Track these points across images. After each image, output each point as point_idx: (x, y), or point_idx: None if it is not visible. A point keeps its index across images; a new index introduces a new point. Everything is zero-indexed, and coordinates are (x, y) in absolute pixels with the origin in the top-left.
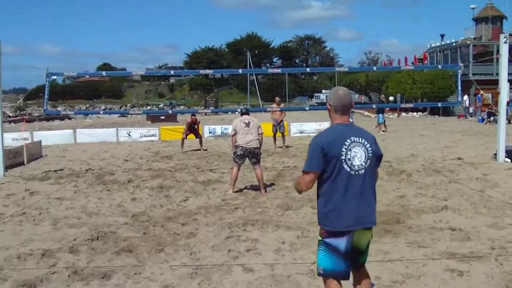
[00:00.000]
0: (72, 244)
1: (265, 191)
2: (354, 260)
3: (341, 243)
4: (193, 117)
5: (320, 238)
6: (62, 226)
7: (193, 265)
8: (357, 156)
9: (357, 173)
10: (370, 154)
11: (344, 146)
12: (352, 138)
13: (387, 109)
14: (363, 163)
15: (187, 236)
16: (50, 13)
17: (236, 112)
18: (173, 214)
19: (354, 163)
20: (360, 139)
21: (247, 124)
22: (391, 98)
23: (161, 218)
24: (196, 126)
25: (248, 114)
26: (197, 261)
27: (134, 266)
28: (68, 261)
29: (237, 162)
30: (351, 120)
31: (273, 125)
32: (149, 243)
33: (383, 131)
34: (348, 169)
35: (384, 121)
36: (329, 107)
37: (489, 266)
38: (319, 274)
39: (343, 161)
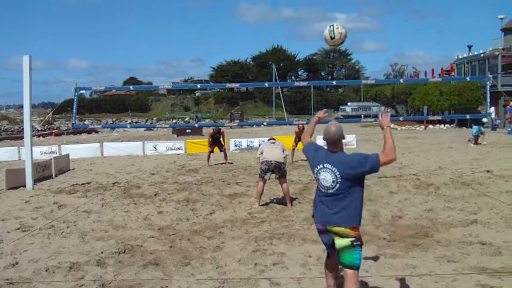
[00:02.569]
0: (99, 257)
1: (291, 205)
2: (339, 258)
3: (323, 237)
4: (214, 128)
5: None
6: (89, 239)
7: (219, 279)
8: (326, 177)
9: (325, 190)
10: (340, 180)
11: (317, 168)
12: (324, 164)
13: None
14: (332, 183)
15: (214, 249)
16: (78, 28)
17: (262, 126)
18: (199, 227)
19: (323, 184)
20: (329, 165)
21: (273, 143)
22: (484, 119)
23: (187, 232)
24: (221, 138)
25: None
26: (224, 274)
27: (160, 280)
28: (95, 274)
29: (262, 177)
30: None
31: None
32: (175, 257)
33: (477, 143)
34: (322, 183)
35: (482, 132)
36: (323, 139)
37: None
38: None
39: (316, 174)
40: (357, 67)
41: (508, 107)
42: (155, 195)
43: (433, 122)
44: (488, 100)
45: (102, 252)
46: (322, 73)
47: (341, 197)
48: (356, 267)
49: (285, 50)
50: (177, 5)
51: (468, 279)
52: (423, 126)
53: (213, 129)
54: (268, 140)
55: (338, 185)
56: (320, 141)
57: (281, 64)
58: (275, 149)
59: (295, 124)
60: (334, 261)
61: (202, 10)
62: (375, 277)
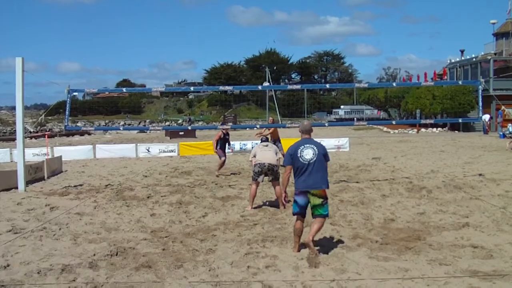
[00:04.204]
0: (91, 259)
1: (284, 207)
2: (312, 211)
3: (300, 199)
4: (223, 129)
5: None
6: (81, 242)
7: (212, 282)
8: (308, 154)
9: (307, 162)
10: (317, 152)
11: (300, 148)
12: (305, 145)
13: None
14: (313, 157)
15: (206, 252)
16: (70, 30)
17: (255, 128)
18: (192, 230)
19: (305, 157)
20: (310, 145)
21: (266, 145)
22: None
23: (180, 234)
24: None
25: (267, 141)
26: (216, 277)
27: (153, 282)
28: (87, 277)
29: (255, 180)
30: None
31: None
32: (168, 259)
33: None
34: (302, 161)
35: None
36: (299, 130)
37: None
38: (293, 214)
39: (298, 156)
40: (350, 70)
41: (500, 111)
42: (148, 197)
43: (426, 126)
44: (480, 104)
45: (94, 255)
46: (316, 76)
47: (316, 167)
48: (324, 216)
49: (278, 53)
50: (170, 8)
51: (460, 282)
52: (415, 130)
53: (222, 131)
54: (261, 142)
55: (315, 157)
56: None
57: (275, 67)
58: (268, 151)
59: (288, 127)
60: (301, 219)
61: (195, 13)
62: (367, 280)
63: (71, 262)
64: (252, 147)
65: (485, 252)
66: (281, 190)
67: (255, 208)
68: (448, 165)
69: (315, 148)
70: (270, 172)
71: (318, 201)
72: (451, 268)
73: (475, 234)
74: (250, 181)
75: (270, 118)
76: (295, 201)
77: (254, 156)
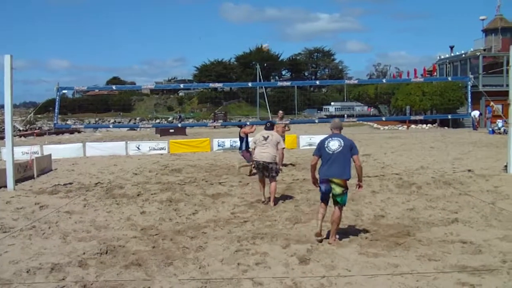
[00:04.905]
0: (81, 258)
1: (274, 204)
2: (333, 199)
3: (324, 186)
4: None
5: None
6: (71, 240)
7: (202, 279)
8: (334, 145)
9: (332, 152)
10: (342, 144)
11: (327, 140)
12: (333, 138)
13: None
14: (338, 148)
15: (196, 249)
16: (60, 28)
17: (245, 125)
18: (182, 227)
19: (331, 148)
20: (337, 138)
21: (265, 138)
22: None
23: (170, 232)
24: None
25: (272, 128)
26: (206, 274)
27: (143, 280)
28: (77, 275)
29: (259, 176)
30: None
31: None
32: (158, 257)
33: None
34: (328, 151)
35: None
36: (330, 127)
37: (501, 280)
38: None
39: (325, 147)
40: (340, 67)
41: (489, 107)
42: (138, 195)
43: (416, 122)
44: (469, 100)
45: (84, 253)
46: (306, 73)
47: (340, 157)
48: (343, 204)
49: (268, 50)
50: (160, 4)
51: (448, 278)
52: (405, 126)
53: (250, 126)
54: (265, 129)
55: (340, 148)
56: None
57: (265, 64)
58: (266, 147)
59: (281, 124)
60: (325, 205)
61: (185, 9)
62: (357, 276)
63: (60, 260)
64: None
65: (474, 248)
66: (311, 175)
67: (245, 205)
68: (438, 161)
69: (341, 140)
70: (265, 170)
71: (339, 190)
72: (440, 264)
73: (464, 230)
74: (240, 178)
75: (280, 112)
76: (319, 188)
77: (254, 149)
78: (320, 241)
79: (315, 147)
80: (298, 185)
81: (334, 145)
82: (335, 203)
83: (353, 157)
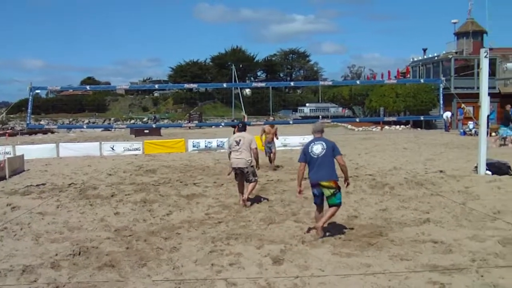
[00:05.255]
0: (53, 259)
1: (245, 204)
2: (327, 201)
3: (315, 189)
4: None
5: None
6: (43, 241)
7: (176, 280)
8: (317, 148)
9: (317, 157)
10: (325, 147)
11: (311, 144)
12: (315, 142)
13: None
14: (321, 151)
15: (170, 250)
16: (33, 27)
17: (220, 126)
18: (156, 228)
19: (315, 152)
20: (320, 141)
21: (238, 143)
22: None
23: (144, 233)
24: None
25: (244, 129)
26: (180, 275)
27: (116, 281)
28: (49, 277)
29: (236, 180)
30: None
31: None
32: (131, 258)
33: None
34: (313, 155)
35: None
36: (312, 131)
37: (470, 278)
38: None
39: (309, 152)
40: (315, 68)
41: (461, 109)
42: (112, 196)
43: (389, 123)
44: (441, 102)
45: (56, 254)
46: (281, 74)
47: (325, 160)
48: (337, 205)
49: (244, 51)
50: (134, 4)
51: (420, 277)
52: (379, 127)
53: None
54: (238, 130)
55: (324, 151)
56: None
57: (240, 65)
58: (240, 153)
59: (254, 125)
60: (319, 207)
61: (160, 9)
62: (330, 276)
63: (32, 262)
64: (218, 145)
65: (445, 247)
66: (297, 182)
67: (219, 206)
68: (410, 162)
69: (323, 143)
70: (241, 174)
71: (329, 192)
72: (412, 263)
73: (435, 230)
74: (215, 179)
75: (271, 117)
76: (312, 193)
77: (229, 154)
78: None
79: (289, 148)
80: (272, 186)
81: (318, 149)
82: (330, 205)
83: (336, 158)
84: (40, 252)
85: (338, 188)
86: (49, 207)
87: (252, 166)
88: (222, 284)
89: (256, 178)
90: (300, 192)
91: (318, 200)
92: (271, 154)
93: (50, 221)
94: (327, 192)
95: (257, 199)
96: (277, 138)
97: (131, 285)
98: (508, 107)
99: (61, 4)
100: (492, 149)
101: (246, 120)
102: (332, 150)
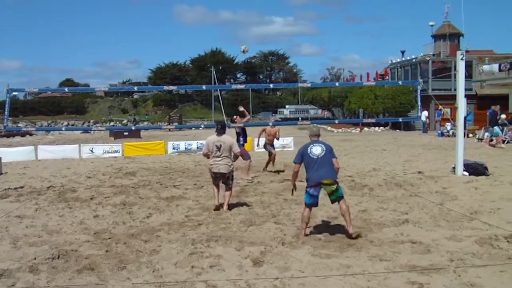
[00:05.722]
0: (32, 263)
1: (225, 209)
2: (331, 199)
3: (314, 190)
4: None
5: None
6: (22, 245)
7: (156, 282)
8: (317, 150)
9: (317, 157)
10: (324, 149)
11: (309, 146)
12: (314, 144)
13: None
14: (321, 152)
15: (150, 253)
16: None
17: (200, 128)
18: (136, 231)
19: (315, 153)
20: (319, 144)
21: (218, 148)
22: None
23: (123, 235)
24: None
25: (224, 131)
26: (160, 278)
27: (95, 285)
28: (27, 281)
29: (213, 184)
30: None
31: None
32: (111, 261)
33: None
34: (312, 156)
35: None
36: (309, 134)
37: (448, 278)
38: (306, 204)
39: (308, 153)
40: (295, 70)
41: (438, 110)
42: (91, 198)
43: (368, 125)
44: (419, 103)
45: (35, 258)
46: (261, 76)
47: (325, 160)
48: (342, 197)
49: (223, 53)
50: (113, 5)
51: (399, 277)
52: (358, 129)
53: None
54: (216, 133)
55: (323, 153)
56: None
57: (220, 67)
58: (221, 158)
59: (232, 127)
60: (310, 209)
61: (139, 11)
62: (310, 277)
63: (10, 266)
64: (198, 147)
65: (423, 247)
66: (292, 180)
67: (199, 208)
68: (389, 163)
69: (323, 146)
70: (222, 179)
71: (332, 187)
72: (390, 264)
73: (414, 230)
74: (195, 181)
75: (273, 118)
76: (307, 193)
77: (207, 152)
78: (303, 242)
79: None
80: (252, 188)
81: (317, 150)
82: (334, 200)
83: (333, 160)
84: (18, 256)
85: (338, 183)
86: (27, 211)
87: (233, 171)
88: (202, 286)
89: (233, 183)
90: (294, 190)
91: (314, 201)
92: (271, 156)
93: (28, 224)
94: (329, 189)
95: (237, 201)
96: (277, 139)
97: None
98: (497, 107)
99: (39, 4)
100: (485, 149)
101: (241, 109)
102: (330, 152)
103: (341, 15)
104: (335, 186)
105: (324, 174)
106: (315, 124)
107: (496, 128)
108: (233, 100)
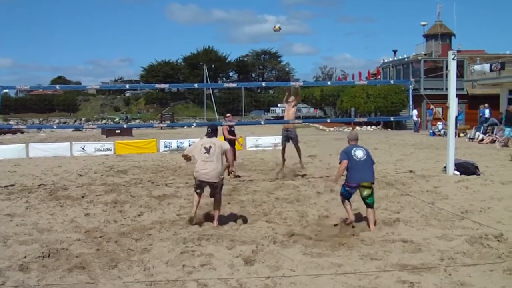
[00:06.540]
0: (22, 261)
1: (217, 225)
2: (364, 202)
3: (352, 190)
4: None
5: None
6: (12, 243)
7: (147, 281)
8: (360, 153)
9: (359, 160)
10: (366, 153)
11: (353, 149)
12: (357, 148)
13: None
14: (363, 156)
15: (141, 251)
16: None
17: (192, 126)
18: (127, 229)
19: (358, 156)
20: (360, 148)
21: (207, 150)
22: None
23: (114, 234)
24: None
25: (214, 134)
26: (151, 277)
27: (86, 283)
28: (17, 280)
29: (196, 192)
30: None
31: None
32: (102, 260)
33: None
34: (356, 158)
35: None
36: (348, 138)
37: (438, 277)
38: (341, 195)
39: (352, 155)
40: (287, 69)
41: (430, 110)
42: (83, 197)
43: (360, 124)
44: (411, 102)
45: (25, 257)
46: (253, 75)
47: (367, 164)
48: (373, 205)
49: (216, 51)
50: (105, 3)
51: (390, 276)
52: (350, 128)
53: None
54: (207, 136)
55: (365, 156)
56: (250, 141)
57: (212, 65)
58: (210, 163)
59: (224, 125)
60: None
61: (131, 9)
62: (301, 276)
63: (0, 265)
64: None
65: (414, 246)
66: (336, 177)
67: (191, 206)
68: (381, 162)
69: (364, 150)
70: (210, 187)
71: (368, 191)
72: (382, 263)
73: (405, 229)
74: (186, 179)
75: (292, 97)
76: (345, 189)
77: (187, 154)
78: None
79: (261, 148)
80: (244, 186)
81: (360, 153)
82: (368, 205)
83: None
84: (8, 255)
85: (372, 189)
86: (18, 209)
87: (222, 179)
88: (193, 285)
89: (221, 192)
90: (337, 181)
91: (350, 196)
92: (297, 149)
93: (19, 222)
94: (366, 192)
95: (228, 200)
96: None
97: (101, 287)
98: (510, 107)
99: (30, 2)
100: (495, 149)
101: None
102: (371, 157)
103: (334, 14)
104: (371, 190)
105: (366, 177)
106: (353, 131)
107: (509, 129)
108: (225, 99)
